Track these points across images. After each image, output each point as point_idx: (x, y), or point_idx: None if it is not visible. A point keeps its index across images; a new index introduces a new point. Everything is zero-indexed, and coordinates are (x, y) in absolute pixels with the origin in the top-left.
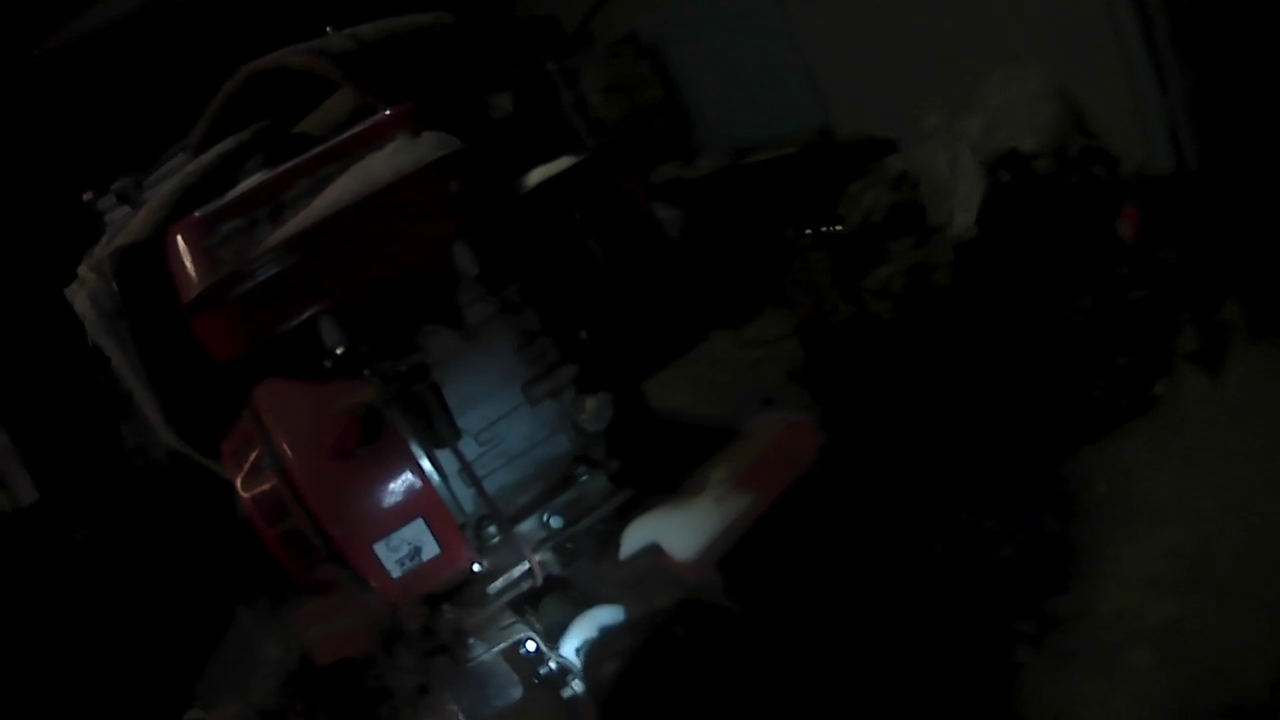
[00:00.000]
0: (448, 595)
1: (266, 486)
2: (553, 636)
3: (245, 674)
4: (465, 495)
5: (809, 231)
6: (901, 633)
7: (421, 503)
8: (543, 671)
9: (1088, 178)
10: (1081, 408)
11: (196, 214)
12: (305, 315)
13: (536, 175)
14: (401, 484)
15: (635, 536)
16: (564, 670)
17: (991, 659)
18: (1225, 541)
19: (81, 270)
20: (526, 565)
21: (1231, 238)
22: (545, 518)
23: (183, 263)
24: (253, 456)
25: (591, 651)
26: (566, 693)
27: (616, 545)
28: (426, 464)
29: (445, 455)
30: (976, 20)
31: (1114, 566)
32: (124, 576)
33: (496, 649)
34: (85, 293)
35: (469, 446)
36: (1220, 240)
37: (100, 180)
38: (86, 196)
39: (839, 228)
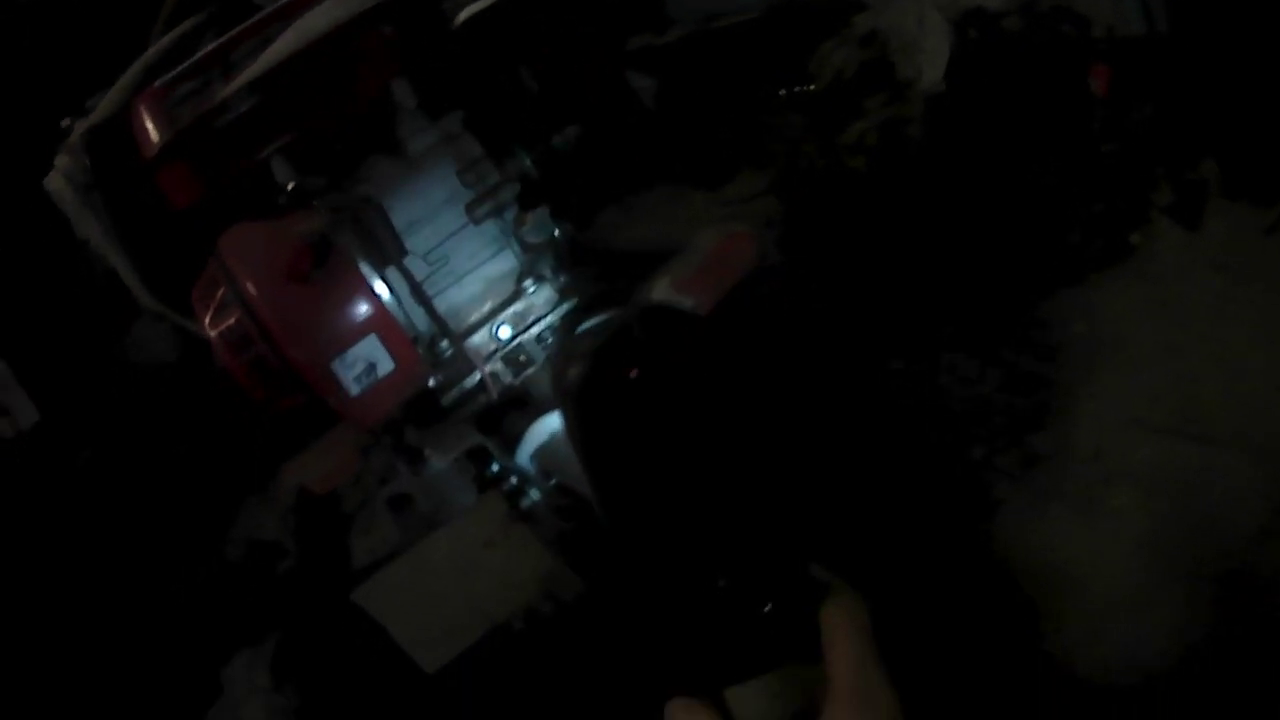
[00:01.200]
0: (411, 419)
1: (231, 320)
2: (510, 449)
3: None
4: (417, 314)
5: (781, 92)
6: (873, 464)
7: (373, 319)
8: (505, 489)
9: (1056, 35)
10: (1057, 253)
11: (155, 84)
12: (255, 158)
13: (468, 10)
14: (353, 302)
15: (580, 344)
16: (522, 480)
17: (970, 494)
18: (1207, 387)
19: (56, 159)
20: (479, 377)
21: (1204, 99)
22: (494, 330)
23: (145, 126)
24: (218, 295)
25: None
26: (525, 502)
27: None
28: (377, 283)
29: (395, 278)
30: None
31: (1093, 406)
32: (128, 495)
33: (449, 457)
34: (60, 173)
35: (418, 266)
36: (1193, 101)
37: (77, 105)
38: (65, 122)
39: (811, 87)
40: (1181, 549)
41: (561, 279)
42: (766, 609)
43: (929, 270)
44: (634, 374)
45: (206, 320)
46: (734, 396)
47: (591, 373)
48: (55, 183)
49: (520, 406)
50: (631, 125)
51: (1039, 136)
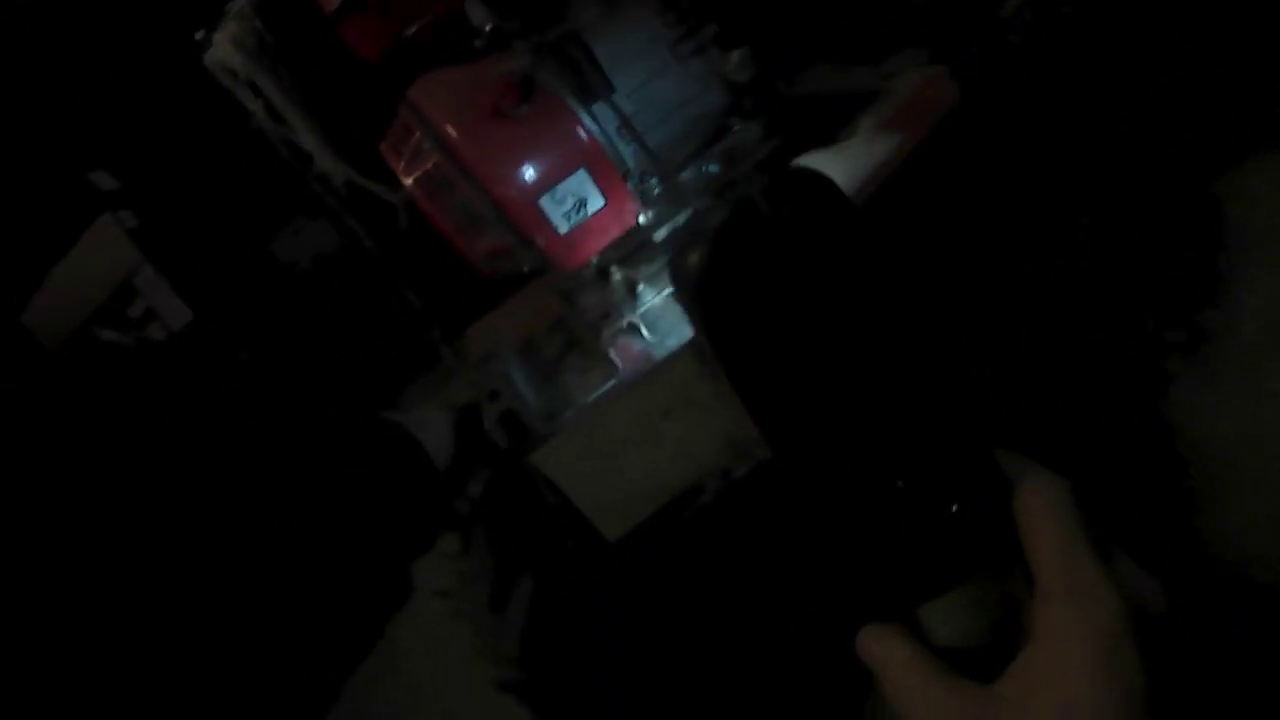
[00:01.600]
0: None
1: (430, 165)
2: None
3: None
4: (626, 151)
5: None
6: (1048, 330)
7: (583, 153)
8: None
9: None
10: (1220, 128)
11: None
12: (448, 2)
13: None
14: (561, 136)
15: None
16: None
17: (1144, 365)
18: None
19: (217, 34)
20: (690, 212)
21: None
22: (703, 166)
23: None
24: (413, 141)
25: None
26: None
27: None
28: (585, 117)
29: (604, 114)
30: None
31: (1251, 292)
32: (291, 394)
33: (665, 293)
34: (228, 39)
35: (623, 104)
36: None
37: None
38: (199, 34)
39: None
40: None
41: (766, 118)
42: (953, 509)
43: (1098, 147)
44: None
45: (400, 168)
46: (884, 273)
47: (712, 259)
48: (222, 52)
49: None
50: None
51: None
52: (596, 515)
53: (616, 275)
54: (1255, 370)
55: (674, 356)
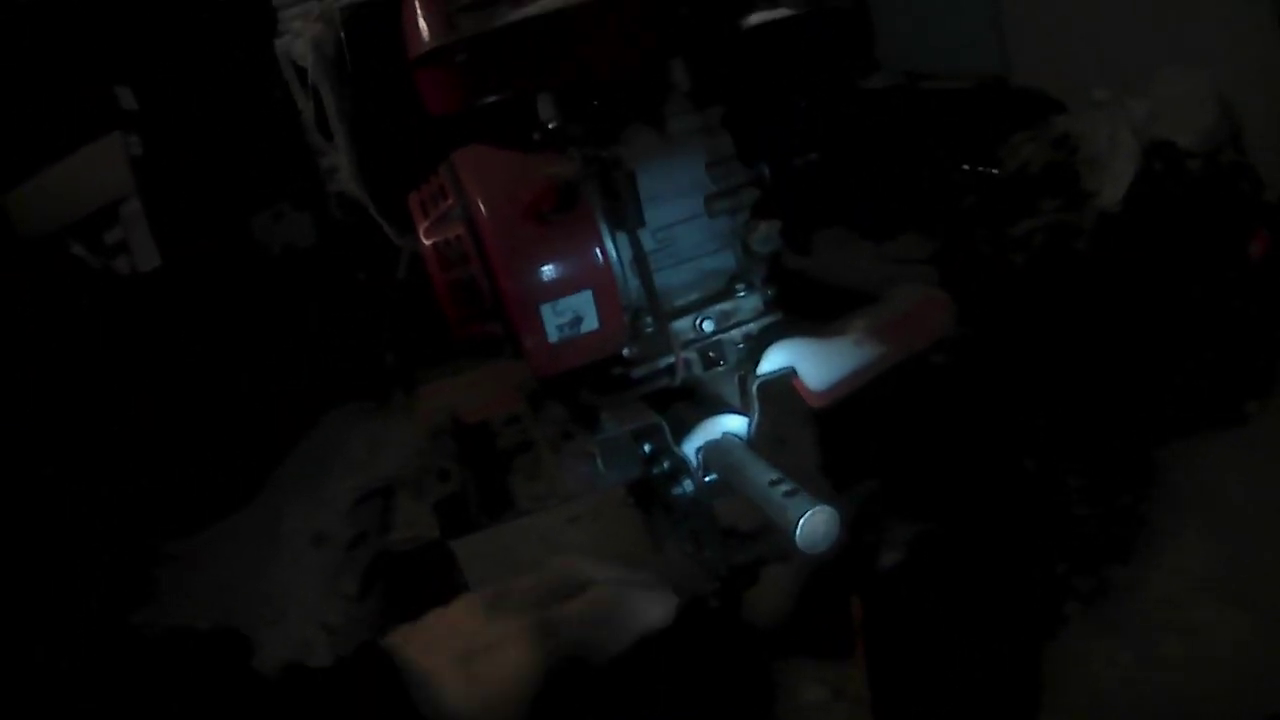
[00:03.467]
0: (585, 379)
1: (452, 235)
2: (677, 437)
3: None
4: (633, 283)
5: (966, 167)
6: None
7: (596, 276)
8: (655, 471)
9: (1233, 189)
10: (1178, 401)
11: None
12: (525, 89)
13: (757, 17)
14: (582, 253)
15: (775, 356)
16: (678, 468)
17: (1044, 604)
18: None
19: (298, 24)
20: (671, 359)
21: None
22: (698, 321)
23: (419, 21)
24: (444, 206)
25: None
26: (675, 489)
27: (756, 361)
28: (609, 243)
29: (624, 244)
30: (1165, 11)
31: (1174, 557)
32: (235, 367)
33: (628, 428)
34: (309, 38)
35: (646, 240)
36: None
37: None
38: None
39: (995, 171)
40: (1214, 712)
41: (770, 293)
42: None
43: (1064, 380)
44: None
45: (423, 228)
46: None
47: None
48: (298, 48)
49: (690, 398)
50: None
51: (1190, 282)
52: None
53: (585, 397)
54: (1148, 634)
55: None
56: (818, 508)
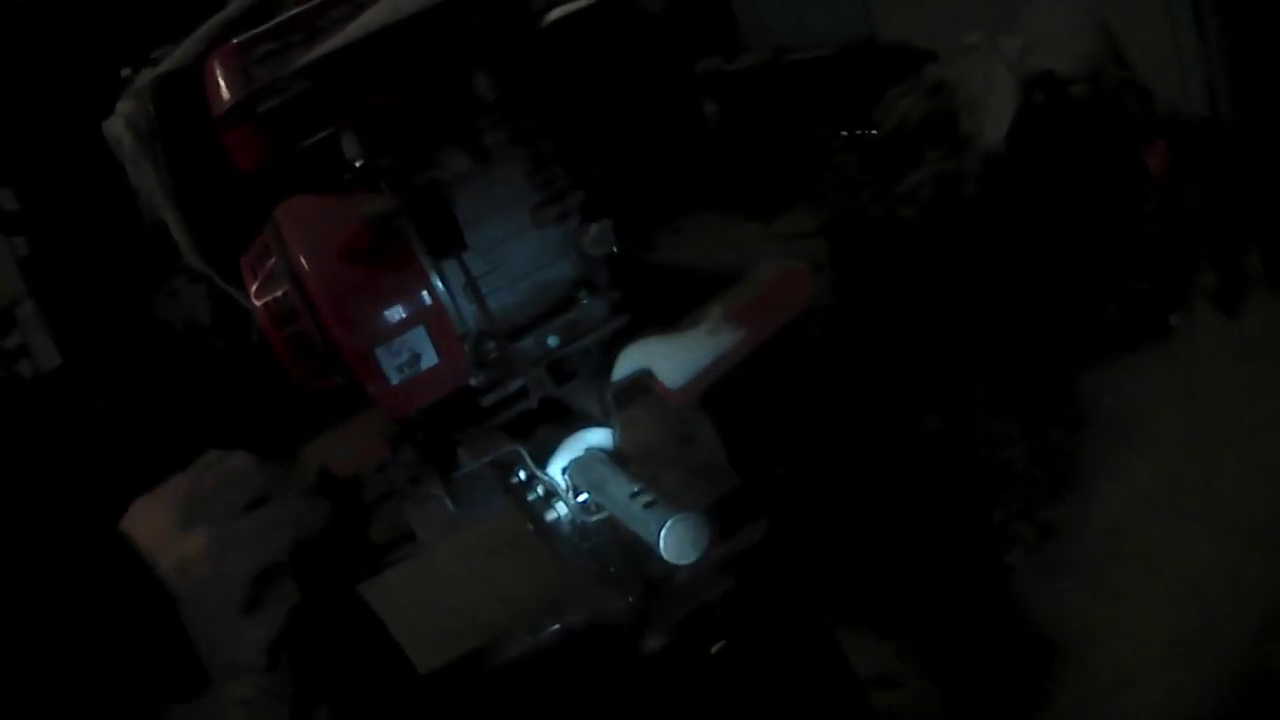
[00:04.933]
0: (444, 417)
1: (279, 293)
2: (542, 460)
3: None
4: (468, 310)
5: (844, 132)
6: (893, 512)
7: (425, 310)
8: (530, 499)
9: (1120, 109)
10: (1095, 327)
11: (234, 40)
12: (327, 130)
13: (557, 10)
14: (407, 290)
15: (628, 360)
16: (549, 493)
17: (985, 557)
18: (1225, 476)
19: (119, 104)
20: (521, 383)
21: (1257, 189)
22: (543, 337)
23: (217, 81)
24: (269, 265)
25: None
26: (550, 514)
27: (609, 368)
28: (433, 275)
29: (452, 271)
30: None
31: (1112, 485)
32: (141, 445)
33: (484, 460)
34: (123, 118)
35: (475, 263)
36: (1246, 189)
37: (138, 56)
38: (125, 72)
39: (873, 131)
40: (1183, 635)
41: (615, 294)
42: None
43: (968, 328)
44: None
45: (253, 289)
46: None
47: None
48: (115, 127)
49: (556, 419)
50: (694, 148)
51: (1091, 208)
52: (411, 647)
53: (441, 433)
54: (1100, 567)
55: (508, 508)
56: (678, 517)
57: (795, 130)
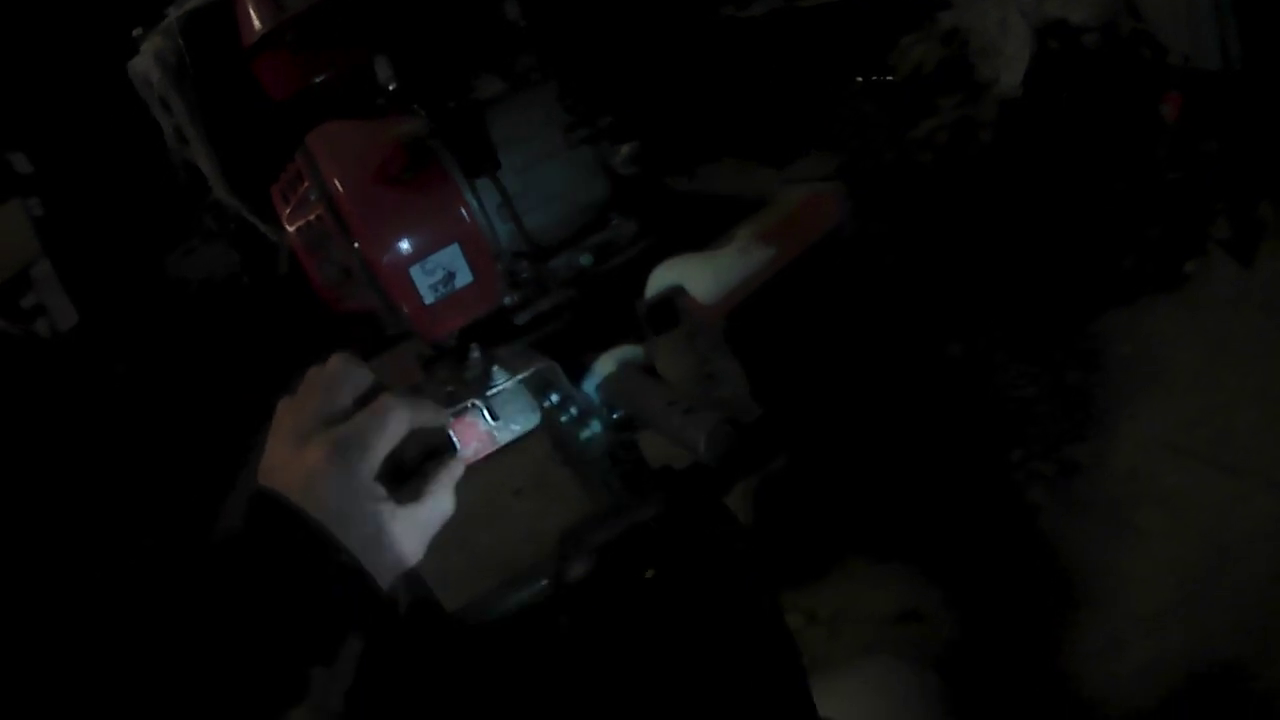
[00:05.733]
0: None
1: (312, 216)
2: (575, 378)
3: None
4: (502, 230)
5: (859, 79)
6: (914, 445)
7: (459, 228)
8: (563, 419)
9: (1134, 57)
10: (1112, 273)
11: None
12: (359, 57)
13: None
14: (442, 209)
15: (661, 277)
16: (584, 411)
17: (1008, 495)
18: (1242, 421)
19: (145, 42)
20: (554, 302)
21: (1270, 139)
22: (575, 257)
23: (248, 11)
24: (301, 190)
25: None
26: (584, 433)
27: (642, 285)
28: (468, 193)
29: (486, 191)
30: None
31: (1131, 426)
32: (159, 409)
33: (518, 377)
34: (151, 53)
35: (510, 182)
36: (1259, 140)
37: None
38: (136, 32)
39: (888, 78)
40: (1202, 576)
41: (645, 216)
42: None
43: (986, 271)
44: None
45: (285, 215)
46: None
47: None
48: (143, 64)
49: (589, 337)
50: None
51: (1106, 155)
52: (438, 584)
53: (475, 353)
54: (1120, 508)
55: (530, 438)
56: (720, 419)
57: (810, 76)
